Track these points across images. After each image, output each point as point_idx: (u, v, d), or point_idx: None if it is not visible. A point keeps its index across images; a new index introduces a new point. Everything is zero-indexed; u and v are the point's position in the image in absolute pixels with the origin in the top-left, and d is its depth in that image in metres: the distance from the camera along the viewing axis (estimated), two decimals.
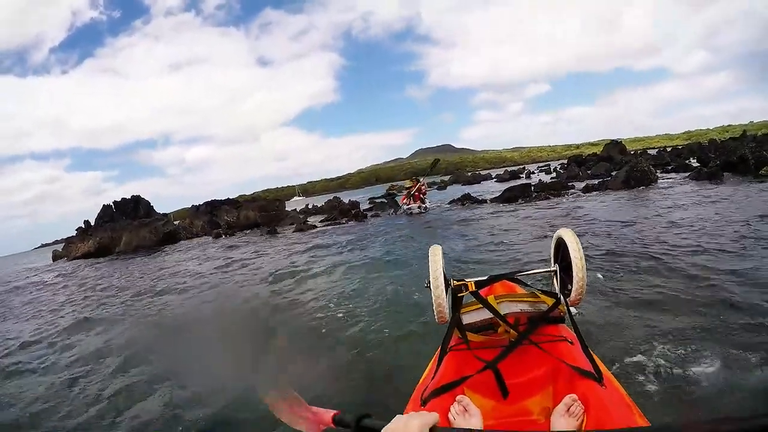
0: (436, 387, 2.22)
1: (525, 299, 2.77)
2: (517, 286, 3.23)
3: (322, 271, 10.41)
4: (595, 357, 2.25)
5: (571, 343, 2.42)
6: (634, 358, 3.80)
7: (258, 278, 10.93)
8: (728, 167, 19.86)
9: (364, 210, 26.23)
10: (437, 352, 2.62)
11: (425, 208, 22.20)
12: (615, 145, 38.91)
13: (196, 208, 39.24)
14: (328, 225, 22.71)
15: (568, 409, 1.88)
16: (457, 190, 34.34)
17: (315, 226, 22.21)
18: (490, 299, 2.69)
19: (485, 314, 2.63)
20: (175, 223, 35.68)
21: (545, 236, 10.42)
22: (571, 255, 2.55)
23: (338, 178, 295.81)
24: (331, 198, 33.87)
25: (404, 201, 23.07)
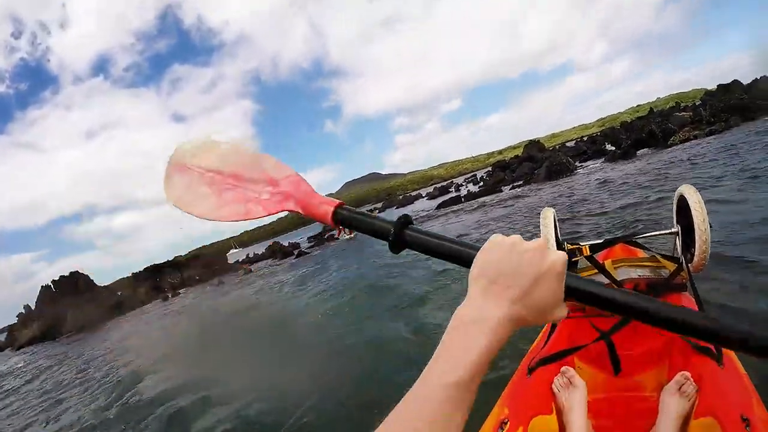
0: (545, 355, 2.12)
1: (644, 264, 2.50)
2: (636, 249, 2.82)
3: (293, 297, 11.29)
4: None
5: None
6: None
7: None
8: (640, 144, 22.02)
9: (307, 247, 26.85)
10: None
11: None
12: (534, 145, 39.80)
13: (136, 276, 38.75)
14: (273, 266, 23.38)
15: (680, 387, 1.73)
16: (390, 214, 35.30)
17: (259, 269, 23.05)
18: (607, 264, 2.44)
19: (601, 280, 2.30)
20: (118, 293, 35.30)
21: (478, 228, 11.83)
22: (693, 215, 2.31)
23: (271, 223, 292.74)
24: (271, 243, 34.41)
25: (345, 231, 23.92)
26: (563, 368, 1.97)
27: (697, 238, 2.27)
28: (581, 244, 2.51)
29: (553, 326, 2.37)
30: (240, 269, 26.80)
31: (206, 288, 23.75)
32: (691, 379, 1.72)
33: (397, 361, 4.90)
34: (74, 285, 36.19)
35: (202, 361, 7.97)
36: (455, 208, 22.93)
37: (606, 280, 2.31)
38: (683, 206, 2.47)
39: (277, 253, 28.60)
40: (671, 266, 2.39)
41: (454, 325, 0.56)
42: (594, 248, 2.46)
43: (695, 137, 19.79)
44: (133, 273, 40.01)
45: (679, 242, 2.57)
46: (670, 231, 2.66)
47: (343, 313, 8.10)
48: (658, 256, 2.53)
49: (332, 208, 0.87)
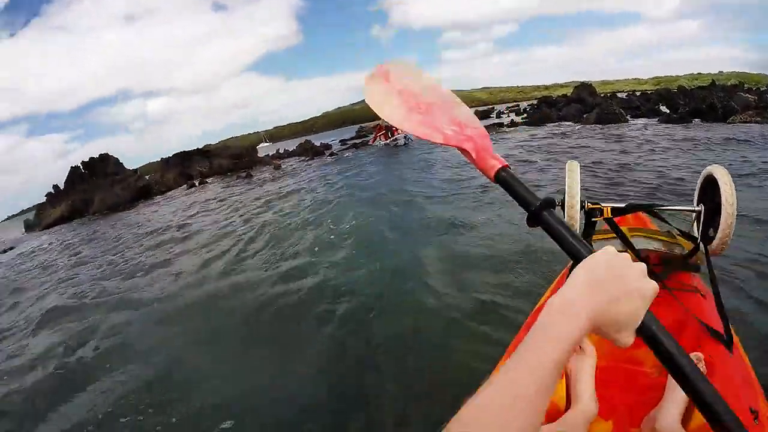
0: None
1: (660, 237, 2.48)
2: (649, 221, 2.87)
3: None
4: (728, 319, 1.97)
5: (704, 297, 2.20)
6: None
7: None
8: (697, 114, 20.63)
9: (339, 150, 26.33)
10: (561, 276, 2.52)
11: (410, 139, 22.10)
12: (585, 88, 38.24)
13: (166, 161, 38.56)
14: (303, 165, 22.76)
15: None
16: None
17: (293, 168, 22.20)
18: (624, 230, 2.42)
19: (617, 245, 2.27)
20: (146, 177, 35.20)
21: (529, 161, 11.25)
22: (722, 196, 2.20)
23: (305, 121, 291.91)
24: (303, 141, 33.74)
25: (381, 137, 23.28)
26: None
27: (722, 220, 2.16)
28: (603, 205, 2.41)
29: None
30: (270, 164, 25.95)
31: (234, 179, 23.09)
32: (704, 362, 1.67)
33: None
34: (104, 167, 36.10)
35: (214, 258, 7.82)
36: (493, 135, 21.25)
37: (620, 247, 2.29)
38: (710, 185, 2.38)
39: (309, 151, 28.00)
40: (687, 245, 2.40)
41: (559, 309, 0.63)
42: (615, 212, 2.39)
43: (758, 122, 18.10)
44: (162, 158, 39.98)
45: (699, 222, 2.46)
46: (693, 208, 2.53)
47: (366, 230, 7.52)
48: (675, 232, 2.53)
49: (498, 166, 0.94)
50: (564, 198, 2.36)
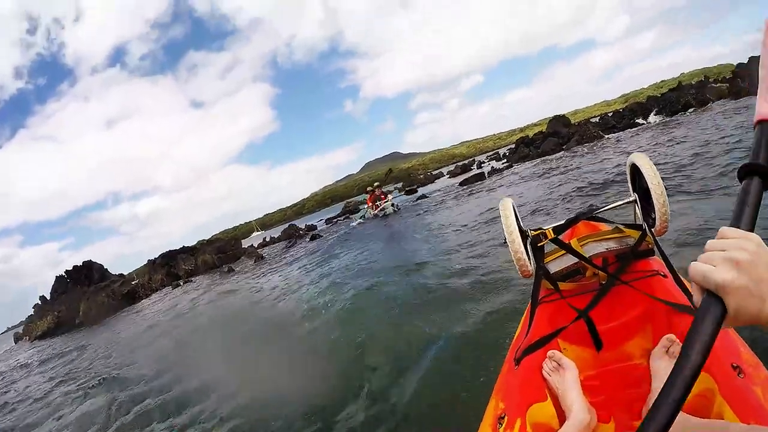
0: (528, 344, 2.14)
1: (610, 236, 2.57)
2: (599, 224, 2.98)
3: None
4: (690, 288, 1.77)
5: (664, 276, 2.26)
6: None
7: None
8: (673, 113, 22.02)
9: (323, 229, 26.30)
10: (528, 308, 2.53)
11: (397, 206, 21.75)
12: (558, 119, 38.82)
13: (152, 263, 37.90)
14: (286, 251, 22.36)
15: (667, 350, 1.78)
16: (412, 194, 34.35)
17: (271, 258, 21.57)
18: (573, 243, 2.52)
19: (570, 259, 2.48)
20: (132, 282, 34.45)
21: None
22: (647, 180, 2.40)
23: (294, 205, 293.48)
24: (287, 227, 33.39)
25: (370, 206, 22.63)
26: (549, 352, 2.01)
27: (654, 202, 2.36)
28: (543, 228, 2.68)
29: (532, 314, 2.36)
30: (251, 256, 25.28)
31: (217, 276, 22.56)
32: (677, 340, 1.78)
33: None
34: (88, 274, 35.49)
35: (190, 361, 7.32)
36: (478, 185, 21.83)
37: (574, 259, 2.43)
38: (636, 174, 2.60)
39: (292, 236, 27.83)
40: (636, 234, 2.50)
41: None
42: (557, 230, 2.67)
43: (733, 101, 19.32)
44: (149, 260, 39.30)
45: (638, 209, 2.68)
46: (627, 200, 2.79)
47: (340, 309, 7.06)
48: (622, 227, 2.63)
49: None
50: (504, 235, 2.51)
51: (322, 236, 22.47)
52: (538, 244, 2.63)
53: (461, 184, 23.44)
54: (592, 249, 2.47)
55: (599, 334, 2.12)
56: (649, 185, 2.38)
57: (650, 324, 2.07)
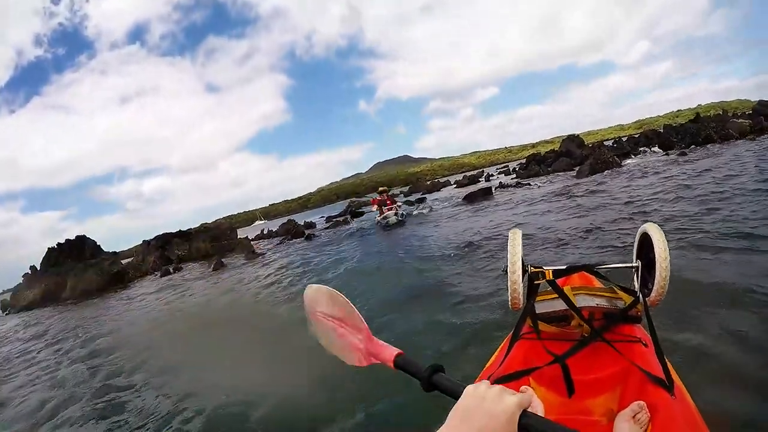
0: (502, 374, 2.16)
1: (602, 294, 2.57)
2: (594, 279, 3.03)
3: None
4: (668, 364, 2.09)
5: (645, 345, 2.26)
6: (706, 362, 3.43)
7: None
8: (694, 146, 21.34)
9: (321, 229, 25.82)
10: (507, 338, 2.59)
11: (402, 216, 20.05)
12: (572, 140, 38.34)
13: (147, 244, 37.19)
14: (279, 248, 21.83)
15: (634, 415, 1.75)
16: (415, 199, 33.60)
17: (264, 254, 20.76)
18: (566, 290, 2.52)
19: (560, 305, 2.50)
20: (123, 262, 33.78)
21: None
22: (656, 252, 2.39)
23: (299, 198, 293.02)
24: (286, 221, 32.78)
25: (376, 209, 21.43)
26: (522, 387, 2.02)
27: (657, 274, 2.38)
28: (545, 268, 2.70)
29: (510, 346, 2.42)
30: (244, 250, 24.40)
31: (207, 268, 21.68)
32: (646, 409, 1.76)
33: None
34: (80, 249, 34.77)
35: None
36: (485, 203, 20.15)
37: (563, 306, 2.45)
38: (645, 243, 2.62)
39: (290, 231, 27.13)
40: (628, 299, 2.52)
41: None
42: (556, 273, 2.69)
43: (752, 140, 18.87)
44: (144, 240, 38.64)
45: (637, 277, 2.73)
46: (630, 265, 2.80)
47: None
48: (616, 288, 2.65)
49: (394, 354, 1.17)
50: (507, 265, 2.58)
51: (317, 237, 21.92)
52: (535, 282, 2.65)
53: (466, 198, 22.20)
54: (582, 300, 2.50)
55: (573, 382, 2.13)
56: (657, 259, 2.38)
57: (621, 387, 2.08)
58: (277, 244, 23.89)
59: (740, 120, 28.77)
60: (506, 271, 2.61)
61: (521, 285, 2.59)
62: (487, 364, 2.51)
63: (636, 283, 2.73)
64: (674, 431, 1.65)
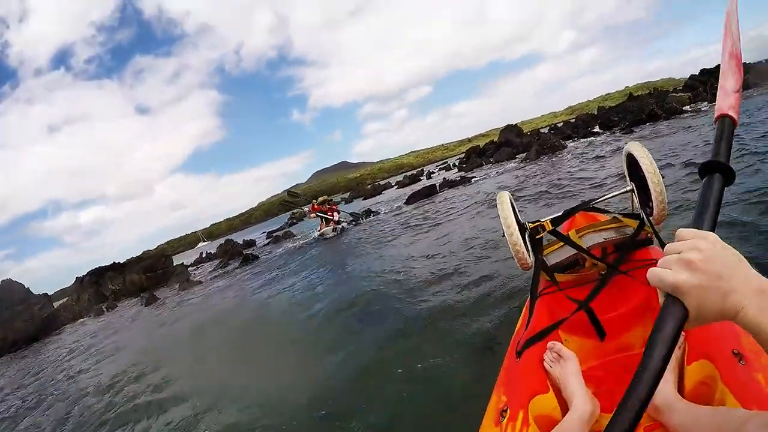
0: (529, 336, 2.13)
1: (608, 226, 2.59)
2: (597, 215, 3.03)
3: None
4: None
5: None
6: None
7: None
8: (638, 124, 20.89)
9: (261, 246, 25.65)
10: (528, 300, 2.53)
11: (340, 227, 19.00)
12: (511, 130, 38.61)
13: (80, 281, 34.86)
14: (216, 274, 20.79)
15: None
16: (357, 205, 32.97)
17: (200, 282, 19.53)
18: (572, 234, 2.55)
19: (569, 251, 2.49)
20: (56, 303, 31.71)
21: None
22: (643, 169, 2.39)
23: (241, 214, 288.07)
24: (223, 242, 31.46)
25: (313, 217, 20.33)
26: (550, 343, 2.00)
27: (651, 190, 2.37)
28: (542, 220, 2.69)
29: (532, 306, 2.37)
30: (179, 279, 23.04)
31: (138, 304, 20.46)
32: None
33: None
34: (8, 295, 32.41)
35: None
36: (427, 203, 19.17)
37: (572, 251, 2.45)
38: (633, 163, 2.58)
39: (228, 252, 26.04)
40: (634, 224, 2.50)
41: None
42: (555, 221, 2.67)
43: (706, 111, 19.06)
44: (77, 278, 36.32)
45: (636, 198, 2.71)
46: (624, 190, 2.80)
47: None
48: (620, 216, 2.67)
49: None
50: (502, 228, 2.52)
51: (258, 257, 20.91)
52: (537, 237, 2.62)
53: (408, 200, 21.17)
54: (590, 240, 2.49)
55: (601, 324, 2.09)
56: (646, 174, 2.37)
57: (651, 313, 2.04)
58: (212, 270, 23.00)
59: (679, 94, 29.35)
60: (504, 234, 2.53)
61: (523, 244, 2.53)
62: (515, 331, 2.47)
63: (636, 206, 2.71)
64: (711, 342, 1.62)
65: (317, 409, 3.96)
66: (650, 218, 2.45)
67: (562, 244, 2.54)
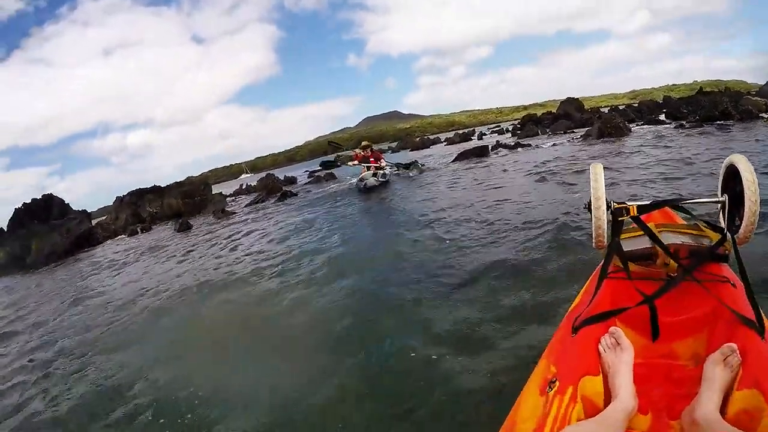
0: (589, 315, 2.11)
1: (687, 231, 2.55)
2: (678, 216, 3.01)
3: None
4: (759, 306, 1.95)
5: (734, 286, 2.15)
6: None
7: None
8: (710, 120, 18.86)
9: (301, 184, 25.23)
10: (592, 277, 2.57)
11: (383, 177, 16.70)
12: (571, 102, 38.12)
13: (120, 200, 34.95)
14: (252, 208, 20.04)
15: (725, 358, 1.68)
16: (405, 156, 31.71)
17: (234, 213, 18.93)
18: (651, 227, 2.45)
19: (645, 242, 2.46)
20: (95, 221, 31.90)
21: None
22: (744, 185, 2.22)
23: (287, 151, 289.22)
24: (264, 175, 30.93)
25: (355, 164, 18.04)
26: (611, 328, 2.00)
27: (746, 208, 2.24)
28: (628, 204, 2.52)
29: (598, 287, 2.33)
30: (216, 208, 22.38)
31: (170, 230, 20.15)
32: (737, 351, 1.70)
33: None
34: (47, 209, 32.69)
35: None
36: (478, 163, 17.72)
37: (648, 243, 2.42)
38: (732, 175, 2.45)
39: (267, 187, 25.57)
40: (714, 236, 2.46)
41: None
42: (641, 209, 2.52)
43: None
44: (117, 197, 36.38)
45: (724, 212, 2.56)
46: (717, 199, 2.63)
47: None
48: (701, 224, 2.61)
49: None
50: (590, 200, 2.42)
51: (294, 196, 20.13)
52: (619, 218, 2.50)
53: (458, 159, 19.73)
54: (667, 238, 2.44)
55: (658, 324, 2.09)
56: (746, 190, 2.23)
57: (708, 329, 2.03)
58: (249, 203, 22.25)
59: (755, 98, 27.00)
60: (589, 207, 2.43)
61: (605, 221, 2.46)
62: (573, 305, 2.47)
63: (722, 220, 2.58)
64: (765, 374, 1.54)
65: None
66: (734, 236, 2.33)
67: (640, 232, 2.48)
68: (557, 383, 1.71)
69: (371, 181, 15.77)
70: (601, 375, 1.78)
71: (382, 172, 16.80)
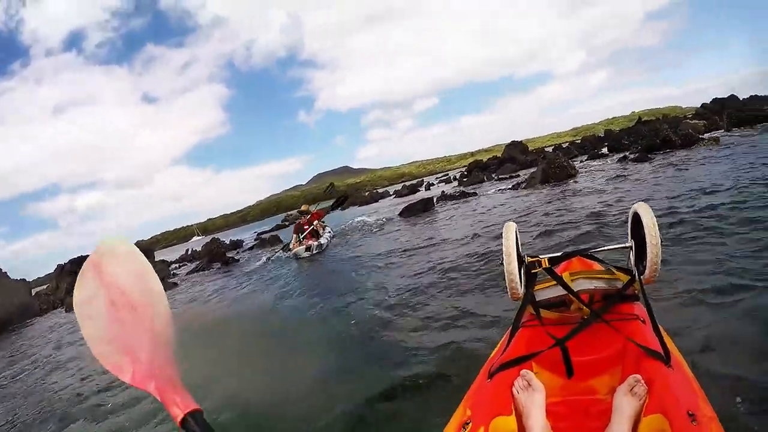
0: (504, 361, 2.22)
1: (600, 276, 2.70)
2: (593, 263, 3.07)
3: None
4: (666, 337, 2.19)
5: (643, 322, 2.35)
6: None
7: None
8: (652, 150, 19.75)
9: (247, 248, 25.77)
10: (509, 329, 2.65)
11: (319, 245, 15.45)
12: (516, 146, 39.00)
13: (61, 268, 33.53)
14: (194, 276, 20.01)
15: (631, 389, 1.85)
16: (353, 212, 32.22)
17: (176, 284, 18.43)
18: (565, 276, 2.66)
19: (559, 291, 2.61)
20: (30, 292, 30.66)
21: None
22: (645, 230, 2.49)
23: (239, 211, 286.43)
24: (209, 240, 30.56)
25: (294, 242, 16.10)
26: (522, 371, 2.11)
27: (648, 252, 2.47)
28: (540, 257, 2.78)
29: (512, 335, 2.52)
30: (163, 271, 22.21)
31: None
32: (642, 381, 1.86)
33: None
34: None
35: None
36: (422, 218, 17.76)
37: (562, 291, 2.58)
38: (637, 222, 2.69)
39: (211, 252, 24.77)
40: (624, 278, 2.66)
41: None
42: (553, 261, 2.77)
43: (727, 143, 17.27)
44: (58, 265, 34.86)
45: (632, 256, 2.79)
46: (624, 245, 2.87)
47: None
48: (613, 269, 2.80)
49: (182, 414, 0.84)
50: (502, 256, 2.63)
51: (237, 262, 20.27)
52: (532, 271, 2.73)
53: (402, 214, 19.90)
54: (581, 285, 2.61)
55: (572, 364, 2.20)
56: (647, 236, 2.46)
57: (621, 364, 2.15)
58: (191, 271, 22.16)
59: (693, 120, 28.60)
60: (503, 262, 2.63)
61: (518, 275, 2.65)
62: (491, 354, 2.54)
63: (631, 263, 2.77)
64: (670, 400, 1.70)
65: None
66: (641, 277, 2.56)
67: (554, 282, 2.62)
68: (470, 425, 1.81)
69: (303, 253, 14.89)
70: (513, 415, 1.88)
71: (317, 243, 15.56)
